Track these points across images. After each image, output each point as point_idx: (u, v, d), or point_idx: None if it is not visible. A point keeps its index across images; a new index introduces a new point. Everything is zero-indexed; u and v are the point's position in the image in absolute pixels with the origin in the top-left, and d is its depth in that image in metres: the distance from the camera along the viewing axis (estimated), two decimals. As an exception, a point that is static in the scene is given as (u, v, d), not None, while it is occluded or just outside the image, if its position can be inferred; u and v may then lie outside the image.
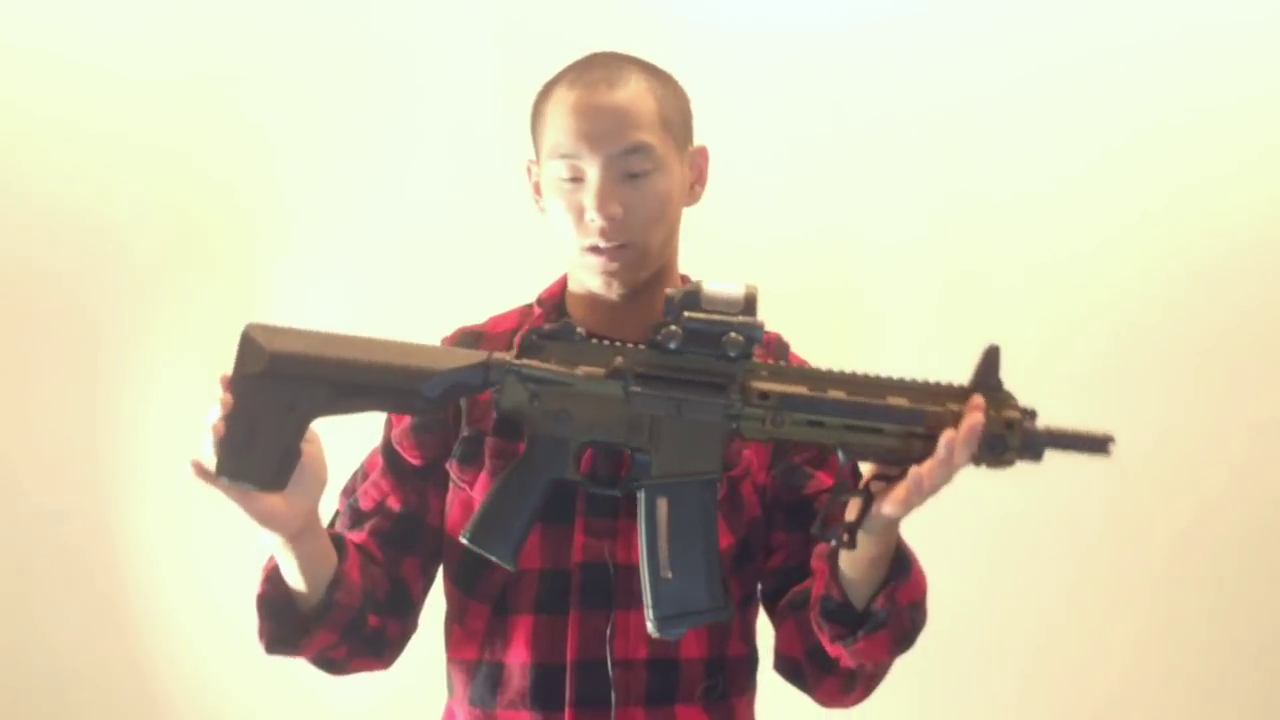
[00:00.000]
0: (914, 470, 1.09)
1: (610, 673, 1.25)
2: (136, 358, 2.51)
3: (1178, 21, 2.27)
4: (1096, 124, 2.29)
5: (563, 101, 1.28)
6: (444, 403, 1.18)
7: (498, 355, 1.17)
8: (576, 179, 1.28)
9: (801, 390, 1.15)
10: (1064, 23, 2.30)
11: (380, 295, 2.44)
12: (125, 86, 2.48)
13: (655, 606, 1.14)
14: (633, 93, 1.28)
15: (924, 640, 2.13)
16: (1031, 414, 1.14)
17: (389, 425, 1.38)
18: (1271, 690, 2.25)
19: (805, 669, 1.29)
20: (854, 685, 1.27)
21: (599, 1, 2.33)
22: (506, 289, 1.45)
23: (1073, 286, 2.29)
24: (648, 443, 1.16)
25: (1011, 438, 1.12)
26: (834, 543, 1.12)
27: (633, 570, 1.24)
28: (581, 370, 1.16)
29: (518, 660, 1.28)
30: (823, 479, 1.31)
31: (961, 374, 1.15)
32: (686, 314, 1.15)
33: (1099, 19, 2.29)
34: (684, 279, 1.39)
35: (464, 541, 1.17)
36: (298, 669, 1.33)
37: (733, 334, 1.15)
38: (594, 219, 1.26)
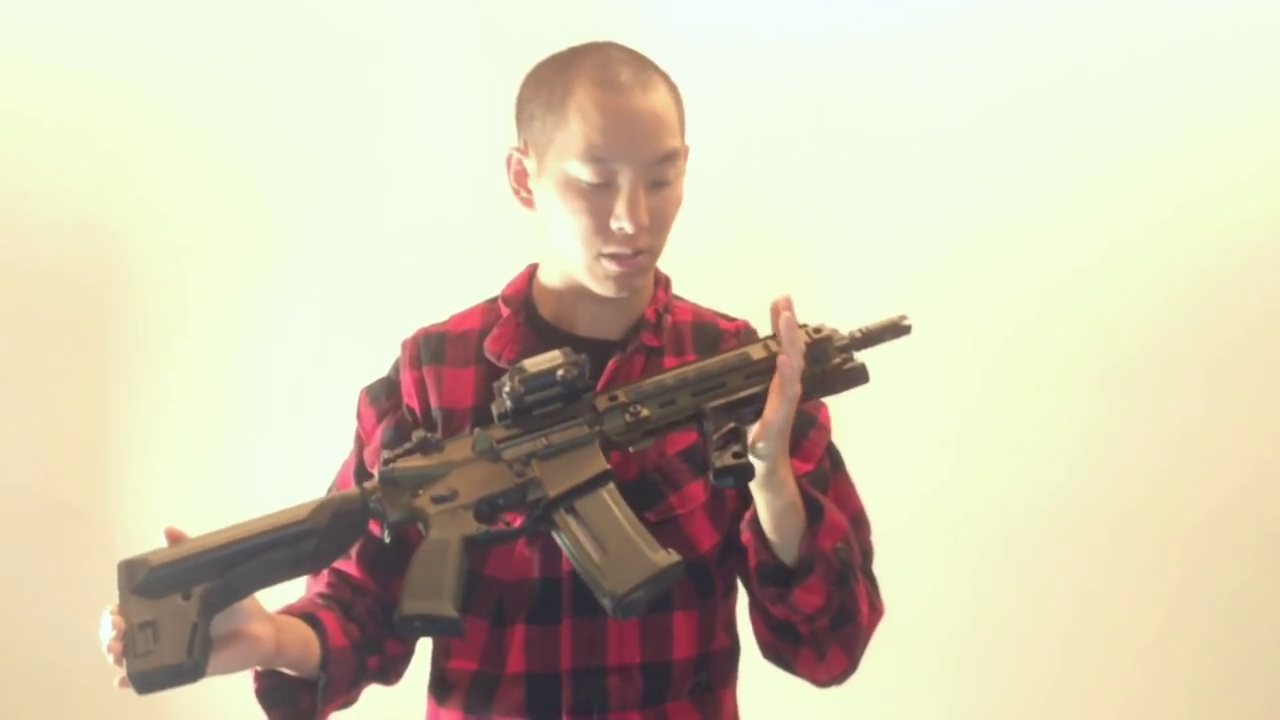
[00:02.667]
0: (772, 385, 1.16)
1: (606, 679, 1.26)
2: (135, 358, 2.53)
3: (1179, 29, 2.27)
4: (1107, 129, 2.29)
5: (594, 101, 1.22)
6: (337, 530, 1.19)
7: (369, 484, 1.20)
8: (604, 184, 1.23)
9: (640, 382, 1.22)
10: (1062, 30, 2.30)
11: (371, 294, 2.46)
12: (124, 92, 2.49)
13: (603, 588, 1.12)
14: (663, 97, 1.26)
15: (942, 643, 2.14)
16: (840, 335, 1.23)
17: (359, 446, 1.36)
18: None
19: (780, 649, 1.30)
20: (824, 650, 1.27)
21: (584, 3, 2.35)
22: (480, 285, 1.43)
23: (1086, 292, 2.30)
24: (535, 476, 1.18)
25: (828, 345, 1.21)
26: (729, 481, 1.15)
27: None
28: (450, 451, 1.20)
29: (514, 670, 1.28)
30: (796, 464, 1.29)
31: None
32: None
33: (1100, 26, 2.29)
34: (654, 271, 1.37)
35: (396, 623, 1.15)
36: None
37: (562, 370, 1.19)
38: (625, 227, 1.23)
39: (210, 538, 1.16)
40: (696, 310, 1.39)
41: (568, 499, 1.17)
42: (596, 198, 1.24)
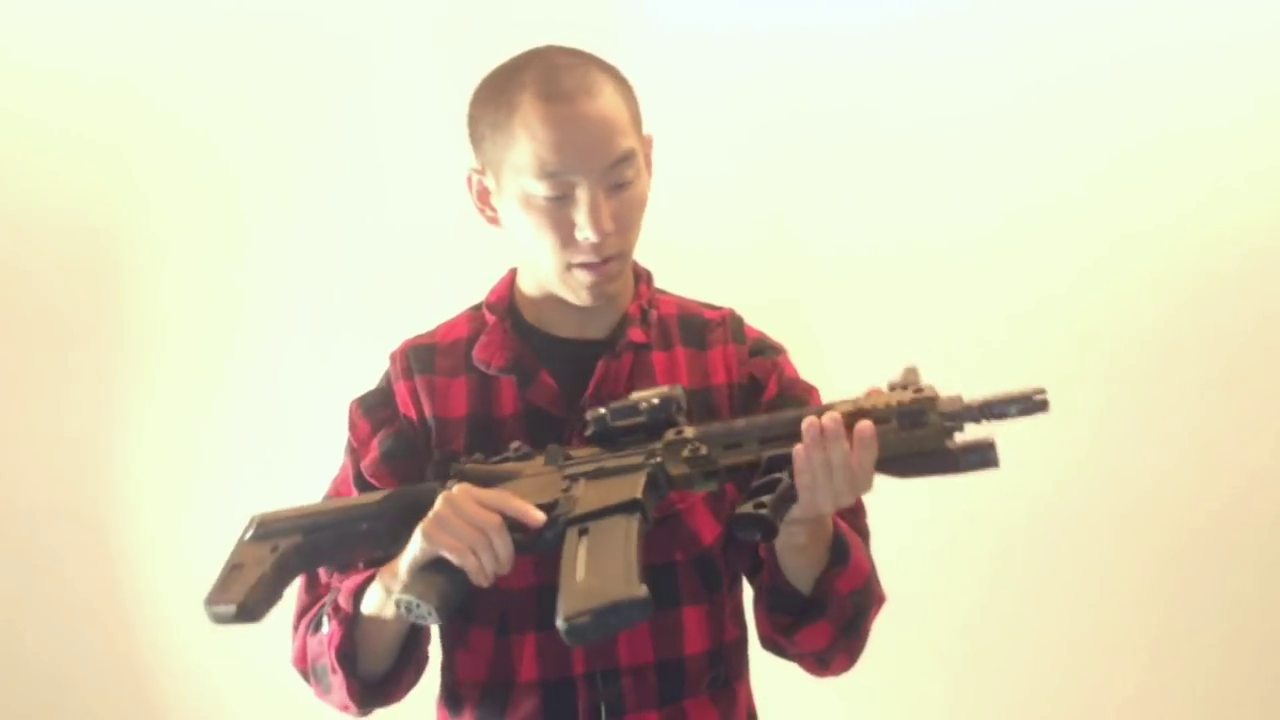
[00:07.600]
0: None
1: (620, 681, 1.26)
2: (130, 357, 2.53)
3: (1181, 30, 2.25)
4: (1108, 129, 2.28)
5: (539, 116, 1.20)
6: (406, 519, 1.20)
7: (447, 481, 1.21)
8: (563, 196, 1.22)
9: (710, 424, 1.19)
10: (1065, 29, 2.28)
11: (365, 297, 2.47)
12: (121, 94, 2.47)
13: (564, 606, 1.09)
14: (609, 98, 1.23)
15: (947, 641, 2.15)
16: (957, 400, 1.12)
17: (355, 458, 1.34)
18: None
19: (784, 646, 1.31)
20: (828, 661, 1.29)
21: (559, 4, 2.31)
22: (465, 291, 1.42)
23: (1088, 293, 2.30)
24: (574, 495, 1.18)
25: (929, 410, 1.11)
26: (746, 533, 1.11)
27: None
28: (528, 464, 1.22)
29: (527, 678, 1.28)
30: None
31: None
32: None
33: (1103, 26, 2.27)
34: (633, 265, 1.36)
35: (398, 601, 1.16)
36: (290, 668, 1.35)
37: (652, 399, 1.18)
38: (589, 236, 1.21)
39: (306, 507, 1.29)
40: (681, 302, 1.39)
41: (585, 520, 1.15)
42: (557, 211, 1.23)
